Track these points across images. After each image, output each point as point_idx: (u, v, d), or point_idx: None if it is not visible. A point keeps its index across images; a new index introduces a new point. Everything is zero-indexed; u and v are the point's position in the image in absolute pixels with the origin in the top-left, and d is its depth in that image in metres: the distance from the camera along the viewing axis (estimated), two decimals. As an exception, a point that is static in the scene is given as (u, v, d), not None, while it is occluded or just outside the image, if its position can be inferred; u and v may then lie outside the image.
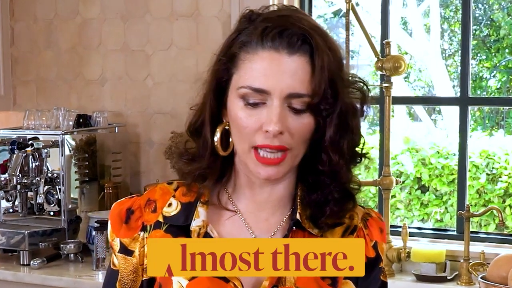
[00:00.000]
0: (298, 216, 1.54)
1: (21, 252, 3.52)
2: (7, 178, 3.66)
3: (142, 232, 1.60)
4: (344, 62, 1.53)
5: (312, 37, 1.46)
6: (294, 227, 1.54)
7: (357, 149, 1.57)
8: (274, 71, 1.46)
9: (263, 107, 1.46)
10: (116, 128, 3.71)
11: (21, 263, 3.52)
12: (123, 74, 3.81)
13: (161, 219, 1.58)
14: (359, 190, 1.62)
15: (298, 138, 1.48)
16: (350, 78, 1.55)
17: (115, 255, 1.61)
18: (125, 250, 1.61)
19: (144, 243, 1.58)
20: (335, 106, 1.49)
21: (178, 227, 1.53)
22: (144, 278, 1.57)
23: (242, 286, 1.49)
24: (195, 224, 1.56)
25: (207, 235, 1.55)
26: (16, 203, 3.79)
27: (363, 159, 1.59)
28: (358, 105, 1.55)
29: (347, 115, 1.51)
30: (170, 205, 1.61)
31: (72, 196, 3.70)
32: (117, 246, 1.61)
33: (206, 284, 1.50)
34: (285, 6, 1.59)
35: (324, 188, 1.54)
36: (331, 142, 1.50)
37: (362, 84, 1.58)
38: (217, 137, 1.53)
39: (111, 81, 4.01)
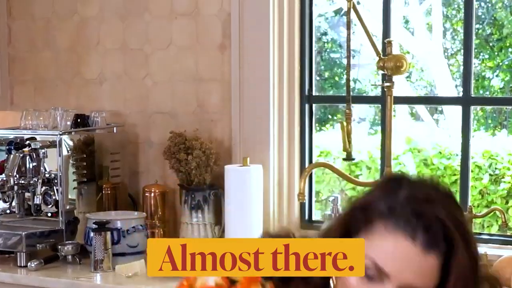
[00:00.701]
0: None
1: (18, 253, 3.50)
2: (4, 179, 3.67)
3: None
4: (480, 258, 1.48)
5: (452, 234, 1.43)
6: None
7: None
8: (403, 261, 1.44)
9: (377, 285, 1.45)
10: (115, 128, 3.72)
11: (18, 264, 3.50)
12: (122, 74, 3.81)
13: None
14: None
15: None
16: (486, 279, 1.54)
17: None
18: None
19: None
20: None
21: None
22: None
23: None
24: None
25: None
26: (13, 204, 3.79)
27: None
28: None
29: None
30: None
31: (69, 197, 3.67)
32: None
33: None
34: (437, 185, 1.53)
35: None
36: None
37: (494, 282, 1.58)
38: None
39: (109, 81, 4.00)
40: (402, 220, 1.44)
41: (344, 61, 4.04)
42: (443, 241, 1.42)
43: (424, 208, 1.45)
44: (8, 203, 3.79)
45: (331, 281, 1.54)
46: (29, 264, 3.43)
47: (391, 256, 1.44)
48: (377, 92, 3.81)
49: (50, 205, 3.67)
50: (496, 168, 6.21)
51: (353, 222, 1.51)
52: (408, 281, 1.43)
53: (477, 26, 4.76)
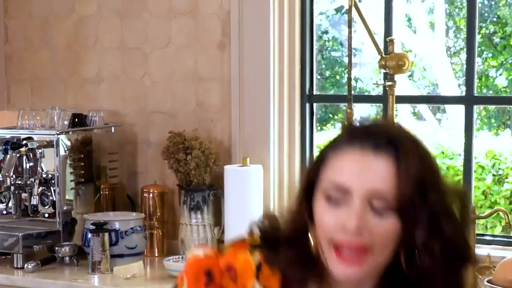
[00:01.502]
0: None
1: (15, 255, 3.54)
2: (1, 179, 3.69)
3: None
4: (439, 168, 1.57)
5: (399, 140, 1.51)
6: None
7: (461, 254, 1.56)
8: (357, 169, 1.50)
9: (345, 207, 1.48)
10: (113, 127, 3.75)
11: (15, 266, 3.52)
12: (120, 73, 3.83)
13: None
14: None
15: (380, 242, 1.49)
16: (446, 183, 1.57)
17: None
18: None
19: None
20: (422, 210, 1.49)
21: None
22: None
23: None
24: None
25: None
26: (10, 204, 3.81)
27: (466, 263, 1.59)
28: (456, 210, 1.56)
29: (439, 219, 1.51)
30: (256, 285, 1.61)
31: (67, 197, 3.71)
32: None
33: None
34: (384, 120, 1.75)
35: None
36: (420, 247, 1.51)
37: (462, 192, 1.60)
38: (312, 243, 1.56)
39: (107, 80, 4.02)
40: (347, 138, 1.53)
41: (345, 60, 4.10)
42: (390, 145, 1.49)
43: (367, 126, 1.56)
44: (4, 204, 3.82)
45: (310, 236, 1.56)
46: (26, 265, 3.44)
47: (346, 171, 1.49)
48: (379, 91, 3.82)
49: (47, 206, 3.70)
50: (499, 169, 6.28)
51: (313, 172, 1.58)
52: (370, 188, 1.47)
53: (480, 24, 4.85)
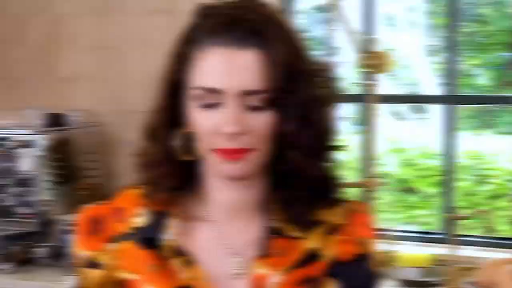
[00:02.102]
0: (274, 223, 1.53)
1: None
2: None
3: (111, 243, 1.57)
4: (306, 51, 1.51)
5: (263, 28, 1.44)
6: (273, 234, 1.54)
7: (328, 143, 1.54)
8: (225, 69, 1.44)
9: (219, 108, 1.44)
10: (91, 128, 3.77)
11: None
12: (97, 72, 3.86)
13: (130, 230, 1.56)
14: (339, 186, 1.59)
15: (260, 137, 1.46)
16: (314, 68, 1.53)
17: (81, 270, 1.59)
18: (92, 264, 1.59)
19: (114, 255, 1.56)
20: (293, 100, 1.47)
21: (149, 239, 1.52)
22: None
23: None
24: (167, 237, 1.54)
25: (179, 250, 1.54)
26: None
27: (335, 152, 1.56)
28: (325, 96, 1.54)
29: (309, 108, 1.49)
30: (138, 215, 1.57)
31: (44, 198, 3.72)
32: (83, 260, 1.59)
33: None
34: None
35: (292, 187, 1.52)
36: (290, 136, 1.48)
37: (329, 74, 1.55)
38: (177, 142, 1.51)
39: (85, 79, 4.03)
40: (209, 35, 1.45)
41: (325, 59, 4.13)
42: (256, 36, 1.43)
43: (228, 15, 1.47)
44: None
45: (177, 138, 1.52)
46: (2, 266, 3.45)
47: (213, 72, 1.45)
48: (359, 91, 3.85)
49: (24, 207, 3.68)
50: (481, 169, 6.29)
51: (174, 69, 1.51)
52: (243, 87, 1.43)
53: (462, 23, 4.86)
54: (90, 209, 1.61)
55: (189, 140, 1.50)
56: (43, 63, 4.22)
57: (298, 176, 1.51)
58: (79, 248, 1.59)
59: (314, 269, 1.56)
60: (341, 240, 1.60)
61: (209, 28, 1.45)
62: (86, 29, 4.03)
